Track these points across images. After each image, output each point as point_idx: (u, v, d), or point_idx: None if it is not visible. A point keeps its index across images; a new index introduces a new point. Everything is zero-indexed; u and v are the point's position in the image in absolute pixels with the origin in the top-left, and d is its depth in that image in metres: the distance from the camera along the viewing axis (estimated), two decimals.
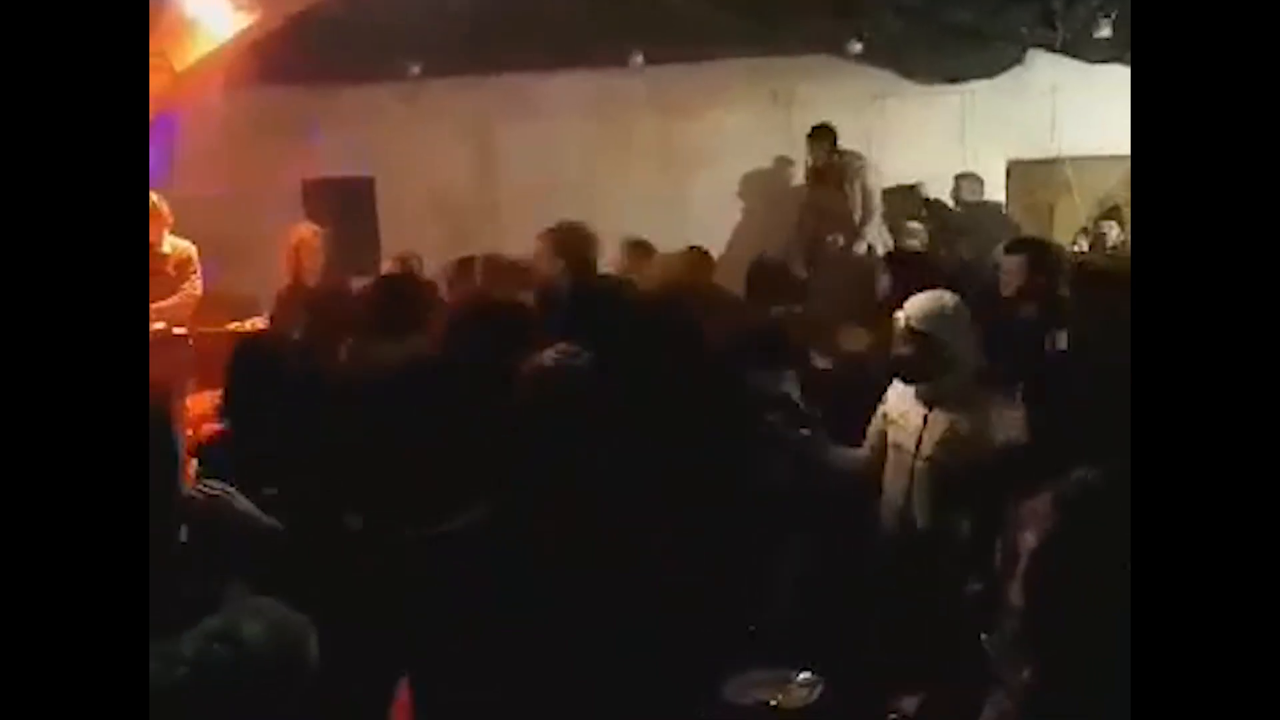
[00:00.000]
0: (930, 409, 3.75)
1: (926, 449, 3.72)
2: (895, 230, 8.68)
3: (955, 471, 3.61)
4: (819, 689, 2.98)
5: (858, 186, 8.91)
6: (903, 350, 3.78)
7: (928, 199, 9.08)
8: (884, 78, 9.29)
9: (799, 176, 9.48)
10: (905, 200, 9.13)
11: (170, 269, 6.70)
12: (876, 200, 8.95)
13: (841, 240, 8.73)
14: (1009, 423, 3.48)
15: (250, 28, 7.08)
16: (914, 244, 8.11)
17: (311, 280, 6.81)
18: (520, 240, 7.41)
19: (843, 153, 8.91)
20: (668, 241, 7.55)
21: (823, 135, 8.87)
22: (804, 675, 3.05)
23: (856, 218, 8.86)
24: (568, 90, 9.45)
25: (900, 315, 3.79)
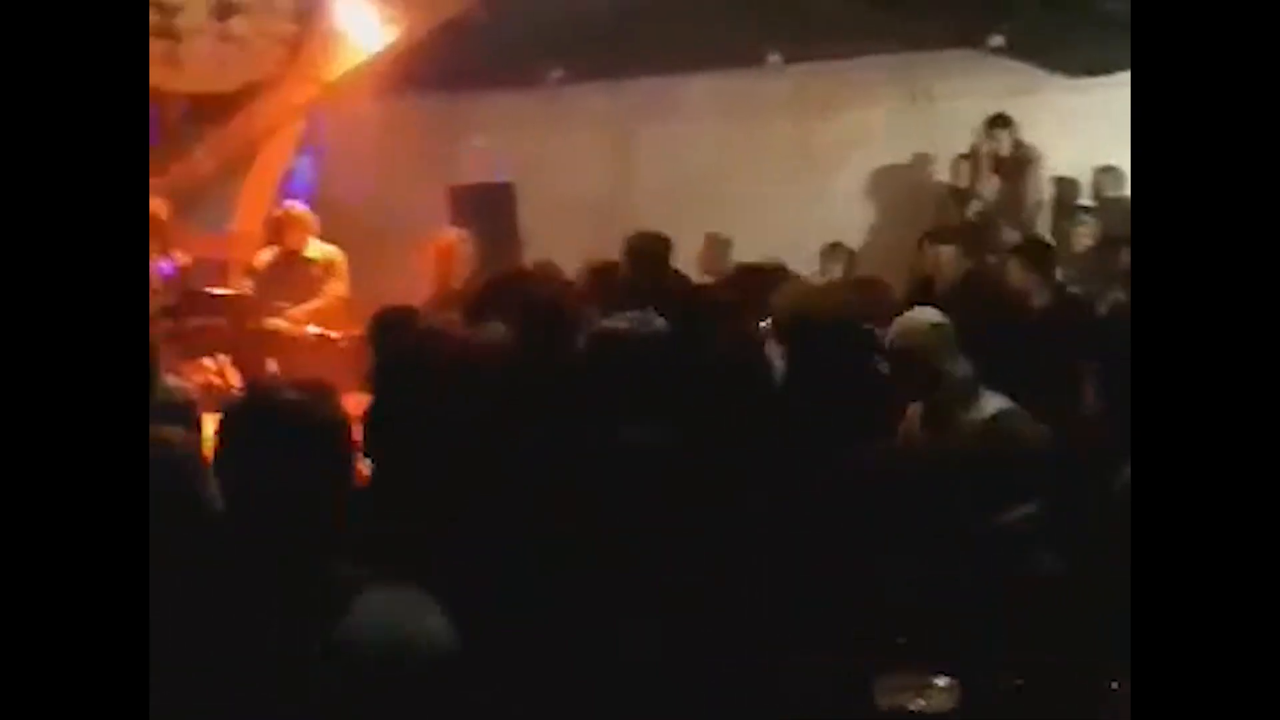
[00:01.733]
0: (925, 425, 3.70)
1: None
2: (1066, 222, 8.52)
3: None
4: (958, 692, 2.96)
5: (1030, 179, 8.79)
6: (885, 369, 3.75)
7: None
8: (1026, 71, 9.09)
9: (940, 172, 9.36)
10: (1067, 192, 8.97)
11: (317, 273, 7.00)
12: (1045, 194, 8.81)
13: (1016, 236, 8.61)
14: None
15: (396, 39, 7.28)
16: (1084, 234, 7.93)
17: (456, 285, 7.01)
18: None
19: (1023, 143, 8.79)
20: (806, 241, 7.57)
21: (1007, 124, 8.75)
22: (943, 679, 3.03)
23: (1026, 211, 8.76)
24: (705, 91, 9.47)
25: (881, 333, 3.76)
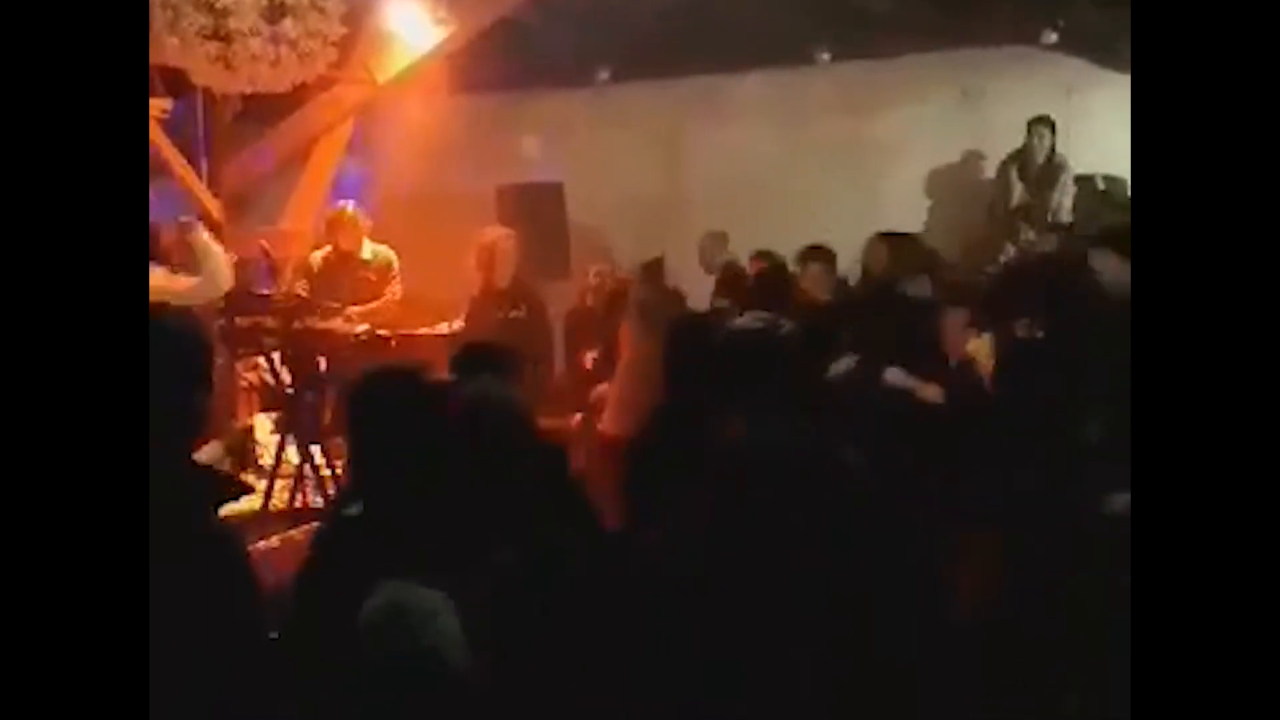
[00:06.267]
0: None
1: None
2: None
3: None
4: None
5: (1060, 186, 8.75)
6: None
7: (1097, 191, 8.79)
8: (1080, 68, 8.99)
9: (989, 171, 9.28)
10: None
11: (372, 274, 7.05)
12: (1069, 201, 8.79)
13: (1033, 236, 8.58)
14: None
15: (447, 40, 7.32)
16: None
17: (502, 283, 7.04)
18: None
19: (1056, 150, 8.76)
20: (856, 239, 7.54)
21: (1049, 127, 8.70)
22: None
23: (1050, 214, 8.72)
24: (754, 90, 9.45)
25: None
